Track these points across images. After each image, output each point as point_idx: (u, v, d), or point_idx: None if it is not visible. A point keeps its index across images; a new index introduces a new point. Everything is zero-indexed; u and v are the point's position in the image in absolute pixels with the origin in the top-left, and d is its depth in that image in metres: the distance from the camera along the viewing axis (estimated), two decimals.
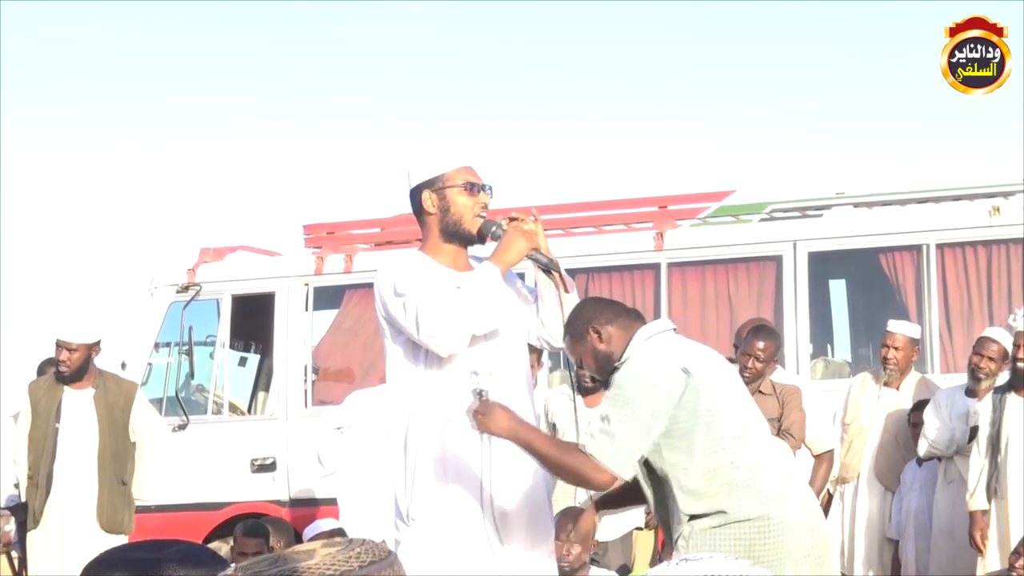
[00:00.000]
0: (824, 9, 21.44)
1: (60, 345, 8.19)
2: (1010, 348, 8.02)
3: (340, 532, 7.34)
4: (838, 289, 10.57)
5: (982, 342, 8.17)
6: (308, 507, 9.99)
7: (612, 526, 7.81)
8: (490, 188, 4.74)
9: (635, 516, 8.01)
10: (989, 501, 7.71)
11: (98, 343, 8.30)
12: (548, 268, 4.67)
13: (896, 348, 8.40)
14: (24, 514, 8.26)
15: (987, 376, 8.08)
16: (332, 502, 8.50)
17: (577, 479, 4.44)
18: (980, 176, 9.90)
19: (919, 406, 8.27)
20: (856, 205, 10.06)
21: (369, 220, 11.17)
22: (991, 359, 8.07)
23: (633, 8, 21.40)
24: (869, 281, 10.09)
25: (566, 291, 4.70)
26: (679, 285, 9.99)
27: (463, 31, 22.15)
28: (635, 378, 4.33)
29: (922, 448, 8.12)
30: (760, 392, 7.81)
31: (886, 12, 20.18)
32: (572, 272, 10.12)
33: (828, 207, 10.09)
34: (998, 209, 9.32)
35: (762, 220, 10.20)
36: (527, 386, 4.77)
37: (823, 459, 8.13)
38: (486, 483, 4.58)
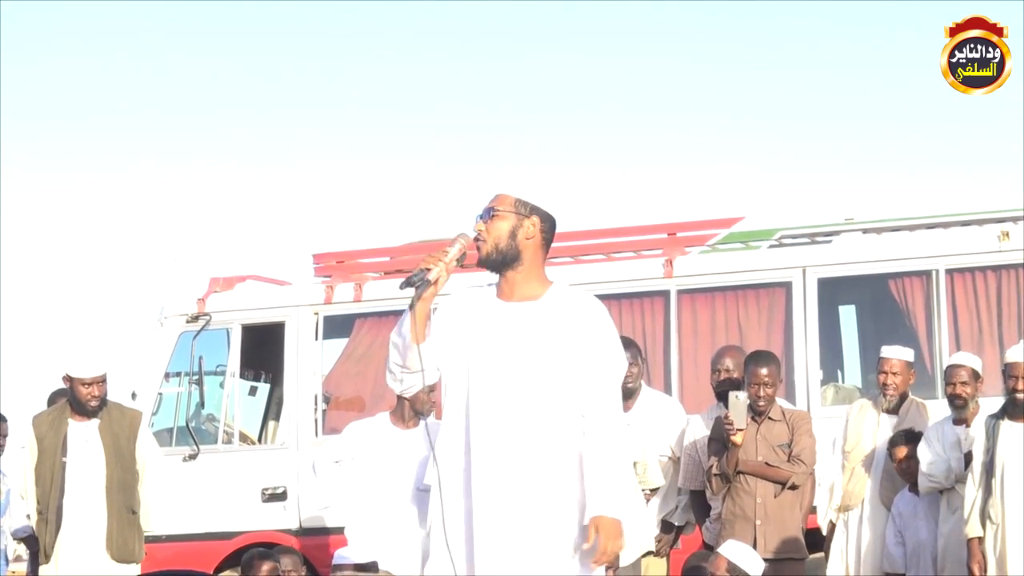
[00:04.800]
0: (827, 34, 21.47)
1: (88, 382, 8.22)
2: (979, 368, 8.12)
3: (373, 566, 7.30)
4: (848, 315, 10.56)
5: (951, 371, 8.19)
6: (319, 536, 9.99)
7: (623, 551, 7.77)
8: (480, 217, 4.81)
9: (646, 541, 7.99)
10: (983, 528, 7.71)
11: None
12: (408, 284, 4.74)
13: (894, 373, 8.38)
14: (37, 546, 8.26)
15: (965, 402, 8.09)
16: (343, 531, 8.49)
17: None
18: (989, 201, 9.88)
19: (897, 440, 8.24)
20: (865, 231, 10.06)
21: (378, 249, 11.18)
22: (964, 383, 8.10)
23: (641, 37, 21.46)
24: (879, 307, 10.08)
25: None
26: (689, 312, 9.99)
27: (473, 62, 22.21)
28: None
29: (922, 484, 8.09)
30: (769, 418, 7.82)
31: (886, 15, 20.21)
32: None
33: (837, 233, 10.09)
34: (1007, 234, 9.32)
35: (771, 246, 10.20)
36: (553, 411, 4.75)
37: (807, 479, 8.10)
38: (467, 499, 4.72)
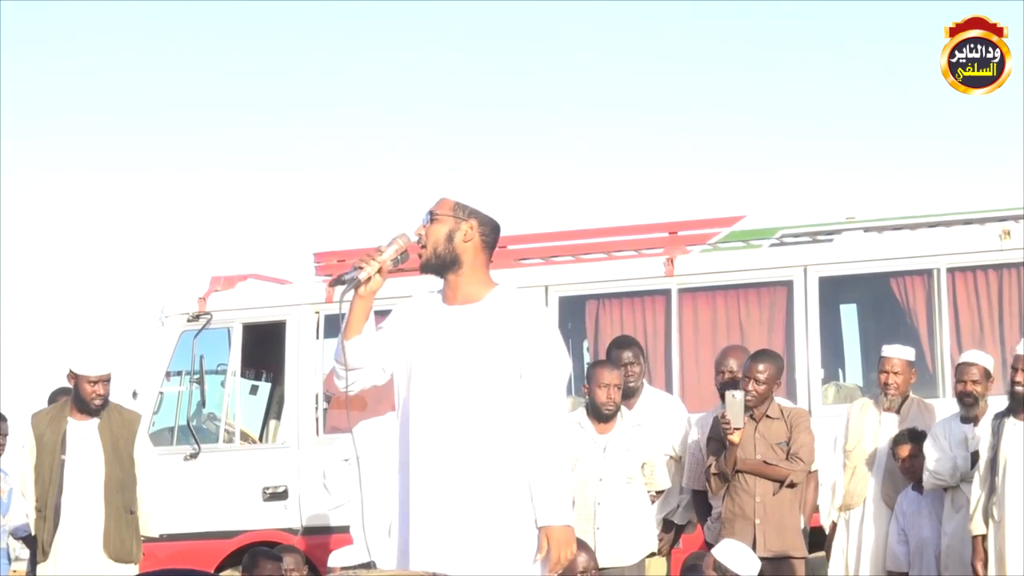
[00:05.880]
0: (827, 34, 21.47)
1: (94, 380, 8.21)
2: (990, 367, 8.11)
3: (371, 566, 7.31)
4: (849, 314, 10.56)
5: (962, 368, 8.18)
6: (320, 535, 9.98)
7: (627, 551, 7.78)
8: (422, 220, 4.89)
9: (649, 541, 7.99)
10: (986, 525, 7.71)
11: None
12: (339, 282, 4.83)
13: (896, 373, 8.38)
14: (36, 545, 8.25)
15: (975, 400, 8.08)
16: (344, 530, 8.49)
17: None
18: (990, 200, 9.89)
19: (901, 439, 8.23)
20: (866, 230, 10.06)
21: (378, 248, 11.16)
22: (975, 382, 8.09)
23: (643, 35, 21.46)
24: (880, 306, 10.08)
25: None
26: (690, 311, 9.99)
27: (474, 60, 22.21)
28: None
29: (927, 482, 8.09)
30: (767, 416, 7.82)
31: (886, 15, 20.23)
32: (583, 299, 10.25)
33: (838, 232, 10.09)
34: (1008, 233, 9.32)
35: (772, 245, 10.20)
36: (496, 411, 4.77)
37: (811, 478, 8.10)
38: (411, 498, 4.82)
